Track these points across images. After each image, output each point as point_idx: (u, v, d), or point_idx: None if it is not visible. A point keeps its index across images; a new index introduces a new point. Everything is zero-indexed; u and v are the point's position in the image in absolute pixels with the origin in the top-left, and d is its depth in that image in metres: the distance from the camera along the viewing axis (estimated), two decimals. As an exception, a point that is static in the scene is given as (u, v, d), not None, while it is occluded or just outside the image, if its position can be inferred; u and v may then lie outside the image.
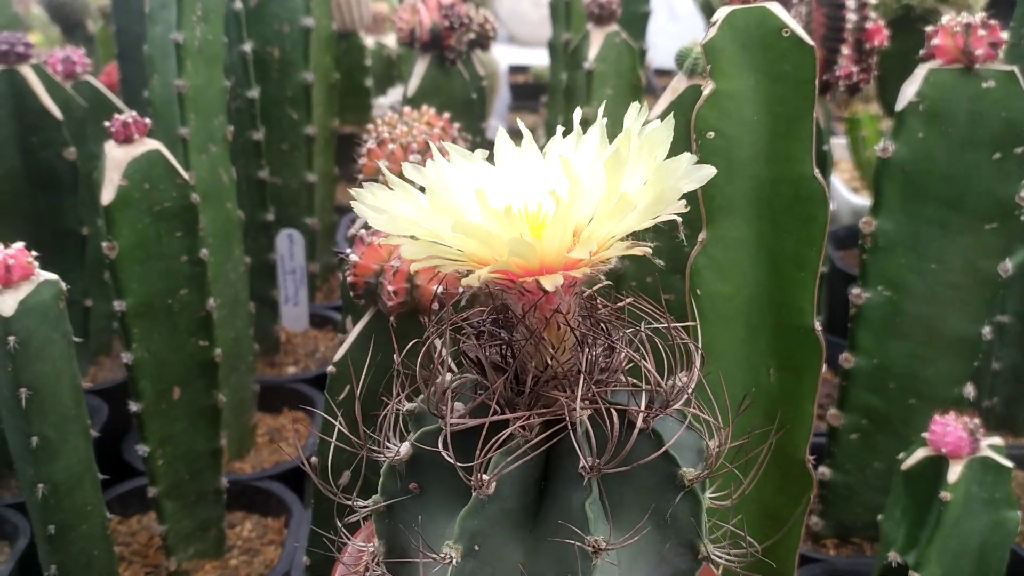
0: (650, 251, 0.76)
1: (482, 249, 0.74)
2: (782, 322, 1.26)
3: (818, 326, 1.25)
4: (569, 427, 0.78)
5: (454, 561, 0.77)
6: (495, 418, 0.79)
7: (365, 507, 0.85)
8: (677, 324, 0.85)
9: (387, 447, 0.82)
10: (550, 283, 0.72)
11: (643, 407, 0.80)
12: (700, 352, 0.85)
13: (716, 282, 1.22)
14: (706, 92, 1.18)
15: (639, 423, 0.79)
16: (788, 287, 1.24)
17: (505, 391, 0.81)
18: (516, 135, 0.87)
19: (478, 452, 0.77)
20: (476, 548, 0.78)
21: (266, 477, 2.09)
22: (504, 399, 0.81)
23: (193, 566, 1.89)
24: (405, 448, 0.80)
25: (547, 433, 0.79)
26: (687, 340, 0.85)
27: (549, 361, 0.81)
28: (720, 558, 0.84)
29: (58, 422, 1.32)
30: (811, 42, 1.16)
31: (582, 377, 0.79)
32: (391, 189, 0.79)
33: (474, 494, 0.77)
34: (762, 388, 1.28)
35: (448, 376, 0.83)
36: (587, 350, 0.81)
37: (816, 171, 1.20)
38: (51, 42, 3.64)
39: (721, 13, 1.18)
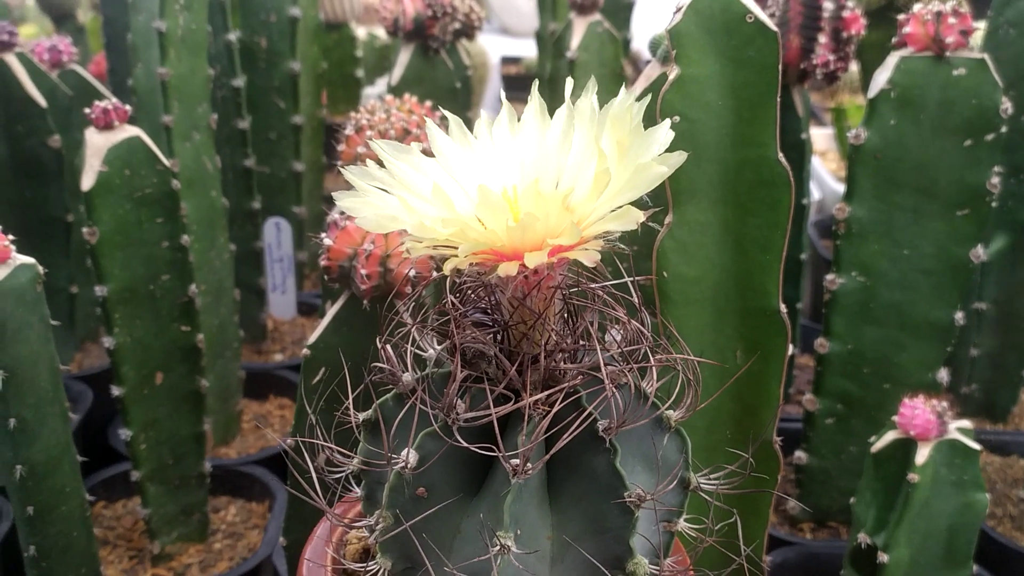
0: (641, 219, 0.75)
1: (467, 235, 0.75)
2: (748, 305, 1.28)
3: (783, 308, 1.27)
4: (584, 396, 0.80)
5: (513, 548, 0.76)
6: (514, 406, 0.79)
7: (344, 479, 0.86)
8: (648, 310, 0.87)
9: (394, 459, 0.81)
10: (533, 261, 0.73)
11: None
12: (671, 329, 0.87)
13: (682, 265, 1.24)
14: (671, 77, 1.19)
15: (646, 388, 0.82)
16: (754, 270, 1.26)
17: (500, 375, 0.82)
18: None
19: (518, 440, 0.78)
20: (519, 532, 0.78)
21: (251, 462, 2.11)
22: (498, 382, 0.82)
23: (177, 549, 1.91)
24: (412, 456, 0.79)
25: (555, 408, 0.80)
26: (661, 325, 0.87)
27: (554, 339, 0.82)
28: (708, 485, 0.86)
29: (36, 404, 1.34)
30: (774, 28, 1.18)
31: (599, 350, 0.81)
32: (372, 176, 0.80)
33: (514, 480, 0.77)
34: (730, 371, 1.30)
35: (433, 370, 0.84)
36: (582, 324, 0.83)
37: (780, 155, 1.21)
38: (47, 33, 3.65)
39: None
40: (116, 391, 1.68)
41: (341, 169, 0.81)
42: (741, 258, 1.26)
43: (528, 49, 4.77)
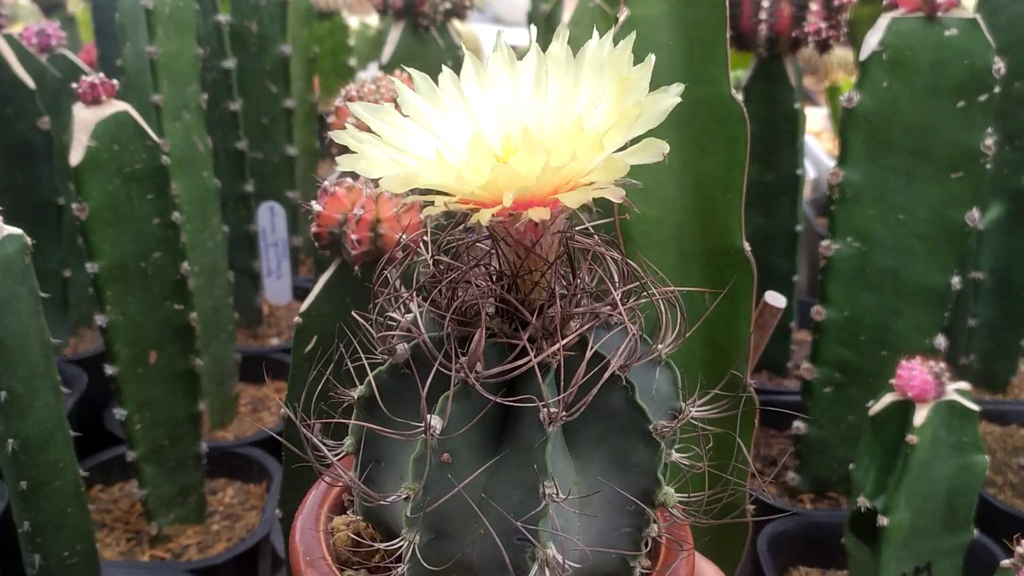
0: (666, 150, 0.72)
1: (496, 183, 0.73)
2: (712, 246, 1.27)
3: (747, 247, 1.26)
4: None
5: (559, 496, 0.75)
6: (542, 356, 0.78)
7: (339, 452, 0.85)
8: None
9: (415, 427, 0.78)
10: (537, 215, 0.72)
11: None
12: (647, 265, 0.86)
13: (644, 206, 1.23)
14: (621, 19, 1.19)
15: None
16: (716, 209, 1.25)
17: (506, 328, 0.81)
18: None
19: (539, 390, 0.77)
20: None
21: (248, 444, 2.10)
22: (506, 334, 0.82)
23: (174, 531, 1.90)
24: (437, 422, 0.76)
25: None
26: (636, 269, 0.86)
27: (564, 284, 0.81)
28: (699, 413, 0.85)
29: (27, 377, 1.32)
30: None
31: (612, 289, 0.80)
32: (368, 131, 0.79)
33: (550, 429, 0.76)
34: (698, 313, 1.29)
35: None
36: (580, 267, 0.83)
37: (733, 91, 1.21)
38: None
39: None
40: (110, 370, 1.67)
41: (331, 135, 0.80)
42: (702, 197, 1.25)
43: (521, 38, 4.76)
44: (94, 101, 1.55)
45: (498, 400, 0.78)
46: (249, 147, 2.45)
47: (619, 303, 0.81)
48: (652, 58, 0.78)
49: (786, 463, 1.92)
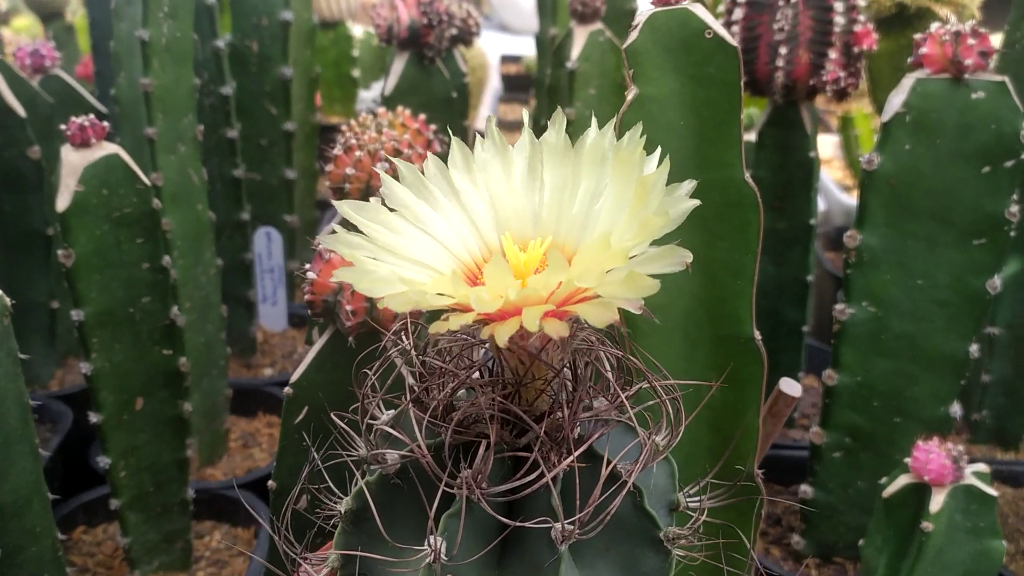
0: (690, 259, 0.68)
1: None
2: (721, 333, 1.21)
3: (758, 335, 1.20)
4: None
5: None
6: (554, 471, 0.73)
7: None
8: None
9: (417, 551, 0.73)
10: (556, 332, 0.66)
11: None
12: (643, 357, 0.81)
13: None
14: (629, 97, 1.13)
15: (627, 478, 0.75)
16: (726, 296, 1.20)
17: (508, 438, 0.76)
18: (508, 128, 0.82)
19: (548, 504, 0.73)
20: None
21: (237, 486, 2.04)
22: (507, 443, 0.76)
23: (158, 579, 1.84)
24: (441, 544, 0.71)
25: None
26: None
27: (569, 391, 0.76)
28: (693, 503, 0.80)
29: (3, 443, 1.27)
30: (734, 43, 1.12)
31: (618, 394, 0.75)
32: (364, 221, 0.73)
33: (562, 547, 0.72)
34: (705, 403, 1.23)
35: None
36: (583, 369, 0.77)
37: (747, 175, 1.15)
38: (40, 27, 3.58)
39: (642, 16, 1.14)
40: (94, 418, 1.61)
41: (319, 240, 0.74)
42: (711, 284, 1.19)
43: (527, 47, 4.70)
44: (83, 144, 1.49)
45: (507, 521, 0.73)
46: (247, 169, 2.39)
47: (627, 406, 0.76)
48: (667, 160, 0.73)
49: (791, 524, 1.86)
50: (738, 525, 1.27)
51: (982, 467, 1.39)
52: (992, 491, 1.36)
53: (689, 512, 0.80)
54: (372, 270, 0.70)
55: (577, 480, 0.74)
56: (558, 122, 0.77)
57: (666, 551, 0.76)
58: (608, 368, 0.80)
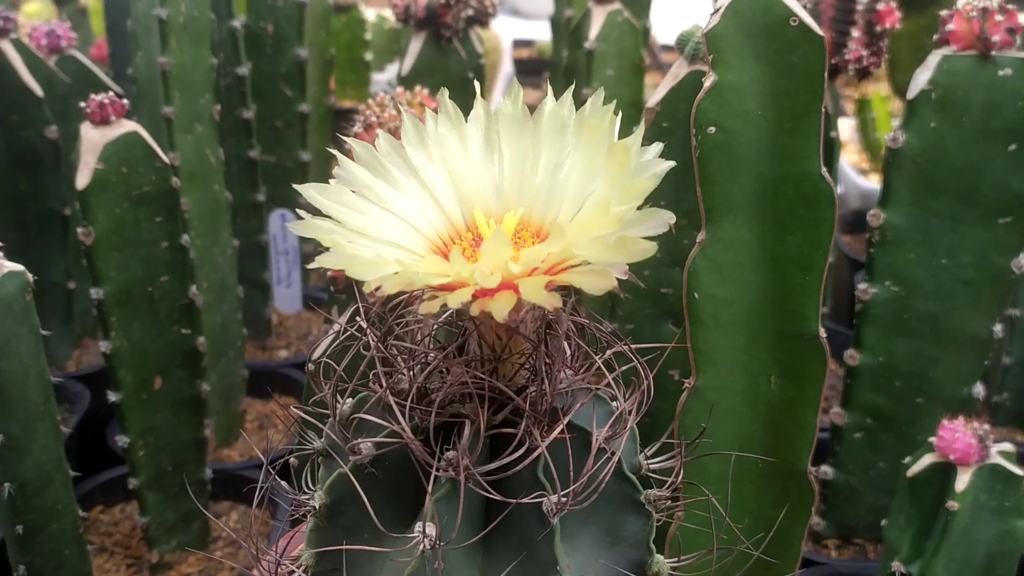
0: (672, 220, 0.65)
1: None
2: (784, 329, 1.19)
3: (823, 333, 1.18)
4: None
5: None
6: (539, 450, 0.72)
7: None
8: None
9: (409, 537, 0.72)
10: (550, 302, 0.65)
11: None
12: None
13: (715, 285, 1.15)
14: (707, 84, 1.10)
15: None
16: (792, 291, 1.17)
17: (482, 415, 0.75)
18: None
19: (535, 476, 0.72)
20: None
21: (253, 466, 2.04)
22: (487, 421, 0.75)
23: (176, 558, 1.84)
24: (431, 529, 0.69)
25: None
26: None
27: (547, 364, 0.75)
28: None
29: (25, 419, 1.27)
30: (820, 32, 1.08)
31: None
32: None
33: (554, 520, 0.71)
34: (762, 398, 1.21)
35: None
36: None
37: (824, 170, 1.12)
38: (52, 10, 3.57)
39: (724, 0, 1.10)
40: (113, 396, 1.61)
41: (289, 227, 0.72)
42: (779, 278, 1.17)
43: (540, 31, 4.68)
44: (103, 121, 1.49)
45: (505, 499, 0.71)
46: (262, 151, 2.38)
47: (606, 373, 0.75)
48: (619, 115, 0.71)
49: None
50: (790, 524, 1.26)
51: (1008, 446, 1.38)
52: (1019, 470, 1.35)
53: (651, 476, 0.80)
54: (355, 253, 0.69)
55: (569, 452, 0.73)
56: (514, 92, 0.75)
57: (647, 513, 0.75)
58: (579, 337, 0.79)
